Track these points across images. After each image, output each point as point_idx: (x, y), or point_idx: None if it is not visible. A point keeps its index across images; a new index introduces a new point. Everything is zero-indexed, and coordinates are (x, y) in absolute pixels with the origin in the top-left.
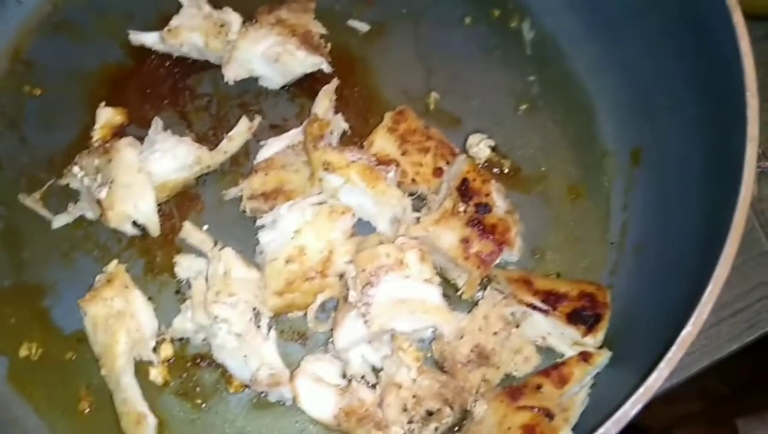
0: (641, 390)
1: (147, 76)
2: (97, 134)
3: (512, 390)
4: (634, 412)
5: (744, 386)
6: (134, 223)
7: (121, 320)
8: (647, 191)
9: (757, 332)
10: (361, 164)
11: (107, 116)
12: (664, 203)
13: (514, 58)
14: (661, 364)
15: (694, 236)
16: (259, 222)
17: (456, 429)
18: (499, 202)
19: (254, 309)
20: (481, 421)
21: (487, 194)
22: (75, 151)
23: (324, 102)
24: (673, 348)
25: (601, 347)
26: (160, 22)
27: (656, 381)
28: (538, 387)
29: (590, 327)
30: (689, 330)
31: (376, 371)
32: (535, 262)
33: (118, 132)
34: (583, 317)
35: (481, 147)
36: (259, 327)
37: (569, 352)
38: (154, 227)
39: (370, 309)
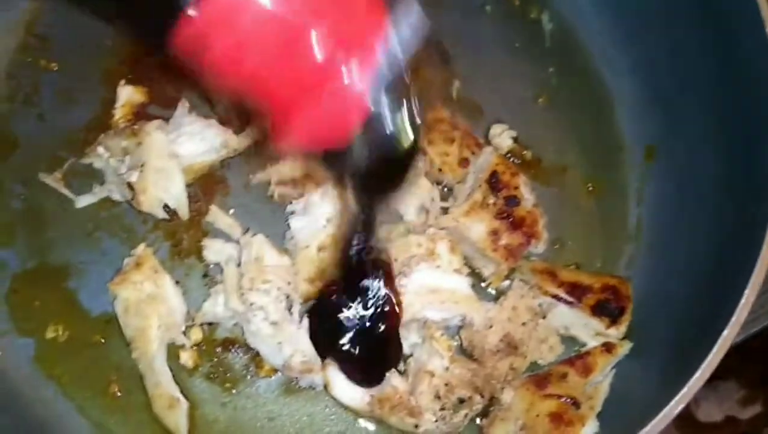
0: (684, 389)
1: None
2: (118, 113)
3: (538, 378)
4: (676, 412)
5: None
6: (165, 206)
7: (152, 305)
8: (661, 187)
9: None
10: None
11: (128, 95)
12: (678, 201)
13: (534, 50)
14: (703, 364)
15: (713, 237)
16: (289, 208)
17: (483, 414)
18: (527, 195)
19: (287, 296)
20: (509, 408)
21: (516, 187)
22: (94, 128)
23: None
24: (714, 350)
25: (622, 338)
26: None
27: (698, 381)
28: (564, 376)
29: (614, 319)
30: (727, 333)
31: (403, 357)
32: (554, 252)
33: (140, 111)
34: (607, 310)
35: (503, 137)
36: (291, 313)
37: (591, 342)
38: (184, 210)
39: (402, 298)
